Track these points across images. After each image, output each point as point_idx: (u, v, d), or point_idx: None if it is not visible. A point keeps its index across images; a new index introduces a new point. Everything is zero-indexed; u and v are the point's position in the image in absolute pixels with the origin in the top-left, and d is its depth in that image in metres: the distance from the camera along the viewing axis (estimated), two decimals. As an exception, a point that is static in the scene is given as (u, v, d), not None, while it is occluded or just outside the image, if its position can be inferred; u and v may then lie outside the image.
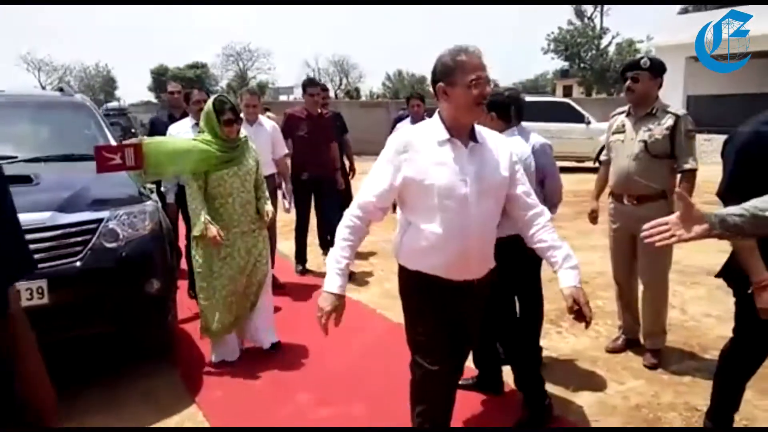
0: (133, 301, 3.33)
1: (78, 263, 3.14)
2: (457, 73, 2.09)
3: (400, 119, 6.64)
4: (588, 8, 42.25)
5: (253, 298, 3.68)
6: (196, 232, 3.43)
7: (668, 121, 3.44)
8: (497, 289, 2.57)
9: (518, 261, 2.84)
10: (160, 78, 47.71)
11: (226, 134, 3.50)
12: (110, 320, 3.26)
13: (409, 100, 6.50)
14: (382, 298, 4.99)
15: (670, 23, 22.07)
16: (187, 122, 4.73)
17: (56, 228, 3.13)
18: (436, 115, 2.22)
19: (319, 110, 5.83)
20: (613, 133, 3.70)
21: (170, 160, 3.48)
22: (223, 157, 3.49)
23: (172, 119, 5.24)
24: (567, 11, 45.01)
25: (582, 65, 41.38)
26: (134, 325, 3.41)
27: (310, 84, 5.98)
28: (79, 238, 3.19)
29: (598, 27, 42.14)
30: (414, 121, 5.63)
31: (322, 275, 5.33)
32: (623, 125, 3.63)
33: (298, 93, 44.49)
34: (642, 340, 3.82)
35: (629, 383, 3.43)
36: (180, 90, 5.81)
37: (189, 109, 4.91)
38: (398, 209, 2.35)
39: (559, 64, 45.13)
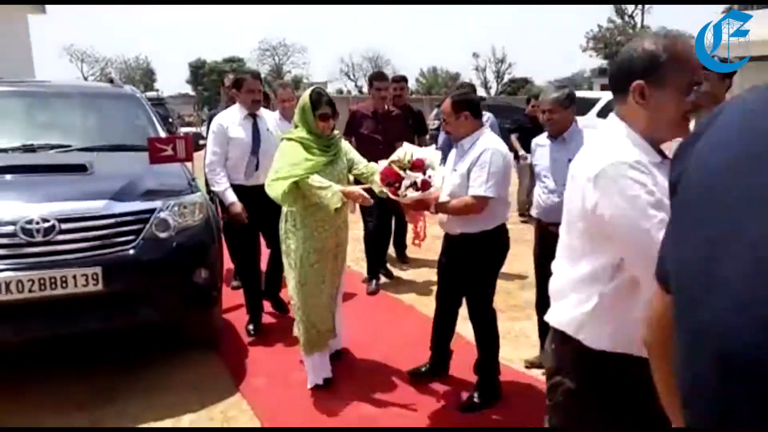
0: (182, 291, 3.39)
1: (131, 251, 3.20)
2: (670, 69, 1.50)
3: None
4: (629, 6, 41.47)
5: (332, 308, 3.41)
6: (336, 203, 3.02)
7: None
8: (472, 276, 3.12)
9: (484, 255, 3.12)
10: (197, 71, 48.43)
11: (321, 130, 3.21)
12: (160, 309, 3.31)
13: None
14: (418, 295, 4.99)
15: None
16: (236, 111, 4.06)
17: (111, 216, 3.19)
18: (620, 125, 1.57)
19: (386, 107, 5.12)
20: None
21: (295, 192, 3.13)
22: (324, 157, 3.19)
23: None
24: (607, 9, 44.24)
25: (621, 64, 40.48)
26: (182, 313, 3.46)
27: (377, 77, 5.17)
28: (132, 227, 3.25)
29: (639, 25, 41.28)
30: None
31: (386, 297, 5.14)
32: None
33: (332, 88, 44.68)
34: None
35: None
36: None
37: (242, 99, 4.07)
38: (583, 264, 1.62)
39: (598, 62, 44.38)
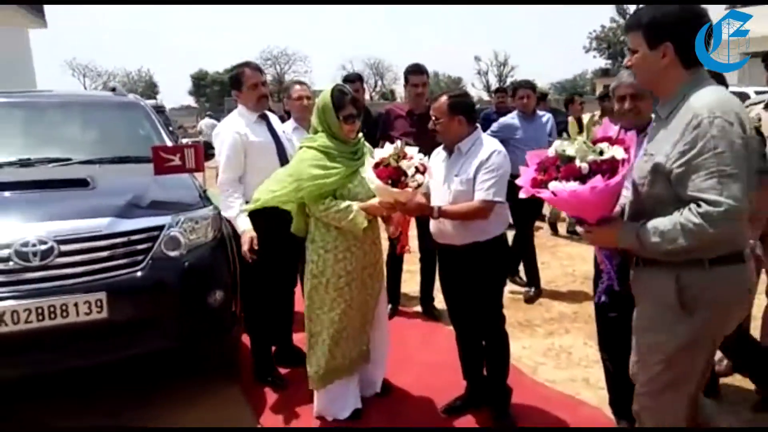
0: (195, 315, 3.06)
1: (138, 274, 2.89)
2: None
3: (488, 117, 5.74)
4: (631, 6, 41.24)
5: (366, 338, 3.01)
6: (362, 223, 2.72)
7: None
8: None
9: (498, 263, 2.90)
10: (199, 82, 48.39)
11: (346, 134, 2.83)
12: (171, 336, 2.99)
13: (516, 90, 5.06)
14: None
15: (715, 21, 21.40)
16: (241, 116, 3.36)
17: (116, 236, 2.88)
18: None
19: (426, 106, 4.21)
20: None
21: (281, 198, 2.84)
22: (350, 166, 2.81)
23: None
24: (609, 9, 44.11)
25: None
26: (195, 340, 3.13)
27: (413, 70, 4.39)
28: (139, 246, 2.94)
29: (641, 25, 41.04)
30: (525, 116, 4.86)
31: (414, 316, 4.70)
32: (759, 119, 3.17)
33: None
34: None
35: (746, 414, 3.00)
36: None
37: (245, 98, 3.38)
38: None
39: (600, 62, 44.16)
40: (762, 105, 3.21)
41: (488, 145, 2.83)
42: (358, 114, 2.87)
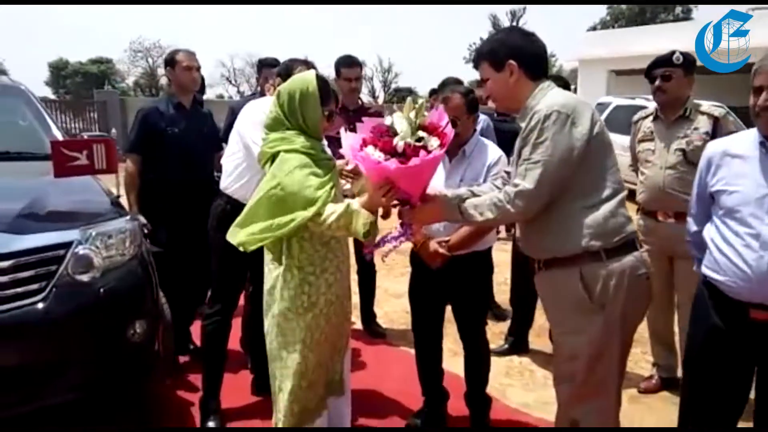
0: (112, 354, 2.42)
1: (39, 305, 2.21)
2: None
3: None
4: (505, 21, 43.63)
5: (339, 367, 2.43)
6: (366, 225, 2.00)
7: (705, 124, 3.00)
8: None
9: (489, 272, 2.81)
10: (59, 72, 43.97)
11: (323, 132, 2.33)
12: (80, 383, 2.33)
13: None
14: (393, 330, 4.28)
15: (591, 38, 23.02)
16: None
17: (7, 257, 2.18)
18: None
19: (360, 102, 4.04)
20: (640, 141, 3.24)
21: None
22: (331, 171, 2.25)
23: (180, 109, 3.37)
24: (486, 24, 46.39)
25: (500, 75, 42.61)
26: (110, 385, 2.46)
27: (346, 63, 3.85)
28: (39, 270, 2.25)
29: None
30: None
31: (359, 335, 4.07)
32: (651, 132, 3.18)
33: (212, 93, 42.38)
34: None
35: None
36: (198, 66, 3.46)
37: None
38: None
39: (477, 74, 46.13)
40: (650, 119, 3.23)
41: (493, 147, 2.61)
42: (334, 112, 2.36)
